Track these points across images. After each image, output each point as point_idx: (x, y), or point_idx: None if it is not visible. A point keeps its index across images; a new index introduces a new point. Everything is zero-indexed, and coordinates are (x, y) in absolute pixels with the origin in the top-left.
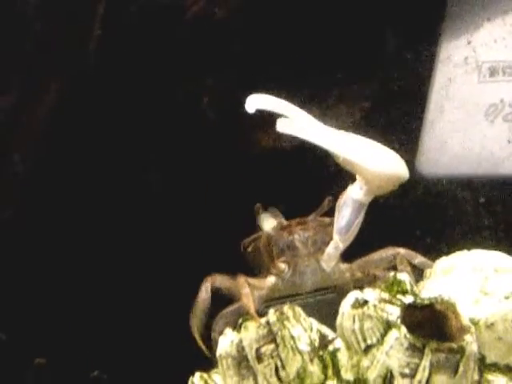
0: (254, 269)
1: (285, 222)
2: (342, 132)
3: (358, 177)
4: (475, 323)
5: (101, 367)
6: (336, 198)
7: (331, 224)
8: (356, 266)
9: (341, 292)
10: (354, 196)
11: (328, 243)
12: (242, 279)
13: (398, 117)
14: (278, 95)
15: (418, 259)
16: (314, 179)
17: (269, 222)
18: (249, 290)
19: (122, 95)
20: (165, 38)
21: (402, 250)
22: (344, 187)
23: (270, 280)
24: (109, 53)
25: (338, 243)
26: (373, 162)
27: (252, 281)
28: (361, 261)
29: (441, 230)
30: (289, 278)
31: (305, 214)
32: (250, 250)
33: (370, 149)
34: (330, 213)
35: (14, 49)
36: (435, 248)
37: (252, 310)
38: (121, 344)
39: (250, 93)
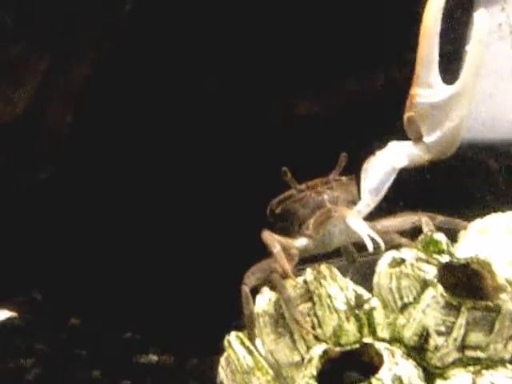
0: (281, 232)
1: (303, 185)
2: None
3: (394, 143)
4: (510, 283)
5: (132, 329)
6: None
7: (351, 183)
8: (379, 225)
9: (345, 252)
10: (389, 161)
11: (351, 202)
12: (269, 236)
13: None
14: None
15: (439, 219)
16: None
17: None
18: (280, 248)
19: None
20: None
21: (421, 213)
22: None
23: (301, 241)
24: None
25: (369, 202)
26: None
27: (281, 239)
28: (383, 221)
29: (471, 193)
30: (319, 238)
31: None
32: (278, 211)
33: None
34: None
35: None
36: (465, 213)
37: (288, 269)
38: (153, 306)
39: None
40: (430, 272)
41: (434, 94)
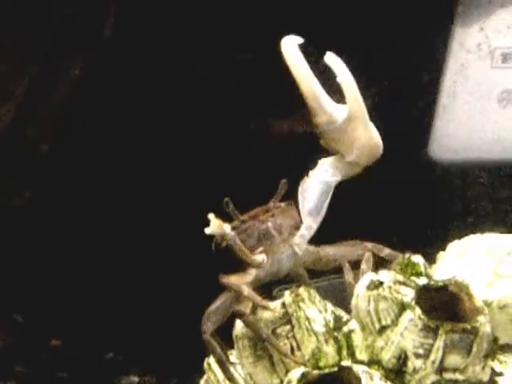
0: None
1: (242, 216)
2: None
3: (324, 160)
4: (488, 305)
5: (113, 349)
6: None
7: (291, 207)
8: (323, 253)
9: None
10: (321, 178)
11: (294, 227)
12: (230, 281)
13: (411, 102)
14: None
15: (386, 252)
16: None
17: (214, 223)
18: (248, 289)
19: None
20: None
21: (369, 244)
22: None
23: (251, 273)
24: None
25: (310, 225)
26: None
27: (237, 279)
28: (328, 250)
29: (454, 214)
30: (268, 267)
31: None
32: (224, 244)
33: None
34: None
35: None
36: (447, 232)
37: (266, 304)
38: (134, 326)
39: None
40: (408, 294)
41: (330, 120)
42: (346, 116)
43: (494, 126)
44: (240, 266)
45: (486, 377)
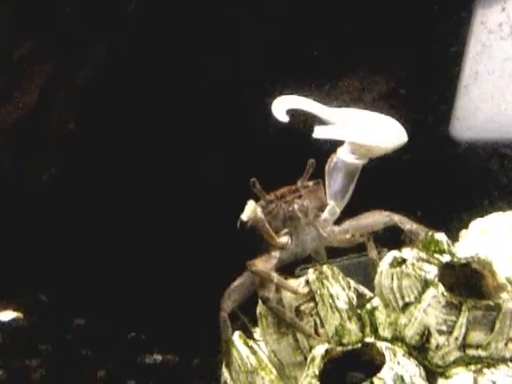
0: (254, 242)
1: (270, 195)
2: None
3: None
4: (511, 282)
5: (136, 328)
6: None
7: (319, 187)
8: (349, 228)
9: (316, 256)
10: (347, 160)
11: (320, 208)
12: (258, 268)
13: (433, 82)
14: None
15: (409, 226)
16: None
17: (249, 207)
18: (276, 275)
19: None
20: None
21: (395, 216)
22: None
23: (275, 255)
24: None
25: (334, 208)
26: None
27: (260, 264)
28: (353, 222)
29: (475, 192)
30: (292, 249)
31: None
32: (248, 226)
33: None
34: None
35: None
36: (467, 210)
37: (296, 289)
38: (157, 306)
39: None
40: (431, 272)
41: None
42: None
43: None
44: (262, 245)
45: (508, 353)
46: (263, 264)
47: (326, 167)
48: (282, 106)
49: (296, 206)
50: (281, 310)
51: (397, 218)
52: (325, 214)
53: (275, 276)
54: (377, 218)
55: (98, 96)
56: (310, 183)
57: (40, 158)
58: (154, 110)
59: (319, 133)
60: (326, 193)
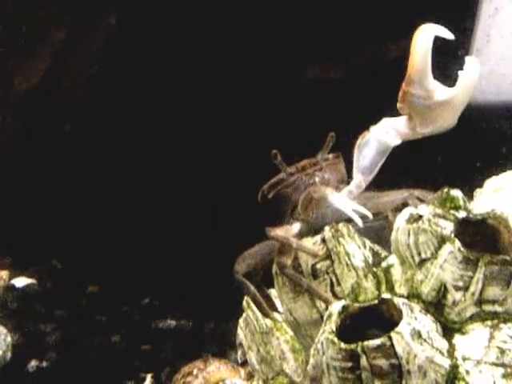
0: (274, 214)
1: (291, 168)
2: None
3: (388, 120)
4: None
5: (150, 294)
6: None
7: (339, 160)
8: (369, 203)
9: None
10: (381, 138)
11: (340, 180)
12: (277, 234)
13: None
14: None
15: (429, 197)
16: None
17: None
18: (296, 240)
19: None
20: None
21: (415, 191)
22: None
23: (296, 226)
24: None
25: (361, 183)
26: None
27: (280, 231)
28: (375, 198)
29: (487, 153)
30: (313, 221)
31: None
32: (270, 196)
33: None
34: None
35: None
36: (483, 171)
37: (316, 251)
38: (171, 271)
39: None
40: (448, 227)
41: (426, 96)
42: (445, 99)
43: None
44: (279, 219)
45: None
46: (283, 232)
47: (358, 142)
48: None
49: (317, 179)
50: (297, 276)
51: (417, 193)
52: (351, 187)
53: (294, 241)
54: (397, 193)
55: (110, 66)
56: (330, 156)
57: (53, 126)
58: (164, 75)
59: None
60: (346, 165)
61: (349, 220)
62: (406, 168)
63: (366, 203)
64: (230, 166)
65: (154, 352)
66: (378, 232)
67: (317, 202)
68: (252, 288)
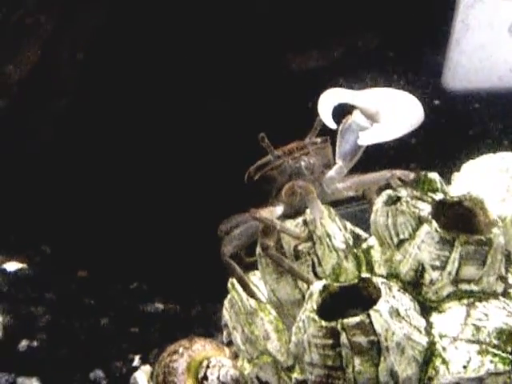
0: (260, 196)
1: (278, 151)
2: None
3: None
4: (502, 221)
5: (138, 278)
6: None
7: (326, 145)
8: (352, 184)
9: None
10: (361, 123)
11: (326, 165)
12: (261, 215)
13: (426, 35)
14: None
15: (413, 177)
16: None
17: None
18: (279, 222)
19: None
20: None
21: (397, 171)
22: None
23: (279, 208)
24: None
25: (342, 169)
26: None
27: (264, 213)
28: (356, 179)
29: (467, 138)
30: (296, 204)
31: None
32: (256, 178)
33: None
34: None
35: None
36: (460, 157)
37: (299, 234)
38: (157, 256)
39: None
40: (425, 209)
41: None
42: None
43: (505, 56)
44: (264, 200)
45: (500, 288)
46: (268, 214)
47: (340, 127)
48: (328, 105)
49: (303, 164)
50: (280, 257)
51: (399, 173)
52: (331, 173)
53: (278, 222)
54: (379, 174)
55: (100, 53)
56: (318, 140)
57: (43, 116)
58: (157, 62)
59: (364, 140)
60: (333, 151)
61: (331, 203)
62: (384, 156)
63: (349, 185)
64: (216, 148)
65: (142, 334)
66: (361, 216)
67: (300, 194)
68: (238, 269)
